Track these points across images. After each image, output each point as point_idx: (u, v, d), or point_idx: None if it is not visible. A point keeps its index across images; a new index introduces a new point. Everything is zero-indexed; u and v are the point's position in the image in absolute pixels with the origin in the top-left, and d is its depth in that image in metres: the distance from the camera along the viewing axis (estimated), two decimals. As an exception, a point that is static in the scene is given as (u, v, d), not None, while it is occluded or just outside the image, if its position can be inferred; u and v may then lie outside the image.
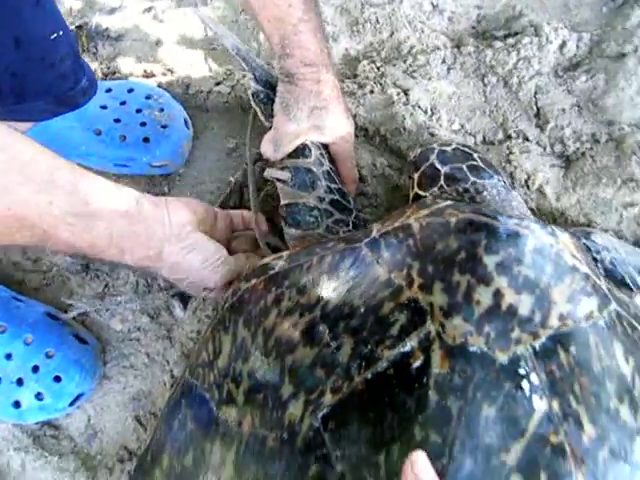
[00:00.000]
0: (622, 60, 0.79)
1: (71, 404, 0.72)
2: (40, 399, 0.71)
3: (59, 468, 0.71)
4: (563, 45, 0.83)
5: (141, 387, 0.74)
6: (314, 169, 0.68)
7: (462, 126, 0.81)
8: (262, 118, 0.72)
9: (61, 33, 0.67)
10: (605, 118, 0.79)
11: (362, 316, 0.48)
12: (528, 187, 0.76)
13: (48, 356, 0.72)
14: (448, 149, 0.67)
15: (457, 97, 0.82)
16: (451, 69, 0.85)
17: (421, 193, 0.65)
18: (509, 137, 0.80)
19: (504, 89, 0.83)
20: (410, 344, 0.45)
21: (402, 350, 0.45)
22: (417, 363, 0.44)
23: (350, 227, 0.66)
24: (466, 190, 0.63)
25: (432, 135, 0.78)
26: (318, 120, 0.69)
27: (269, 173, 0.67)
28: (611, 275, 0.61)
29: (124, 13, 0.96)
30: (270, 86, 0.73)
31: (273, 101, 0.71)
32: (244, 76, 0.86)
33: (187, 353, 0.72)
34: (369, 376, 0.45)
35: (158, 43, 0.93)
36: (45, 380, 0.71)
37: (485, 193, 0.62)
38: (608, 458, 0.44)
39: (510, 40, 0.84)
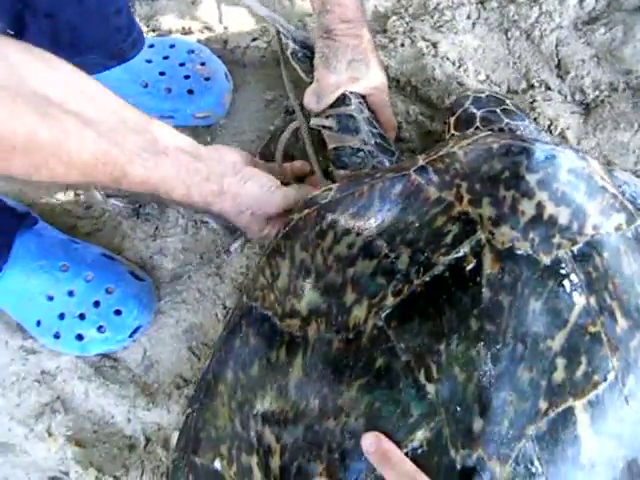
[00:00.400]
0: (639, 13, 0.84)
1: (130, 336, 0.78)
2: (102, 331, 0.77)
3: (120, 395, 0.77)
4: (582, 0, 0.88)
5: (193, 320, 0.79)
6: (356, 115, 0.73)
7: (488, 77, 0.86)
8: (302, 75, 0.78)
9: None
10: (622, 68, 0.84)
11: (417, 230, 0.54)
12: (551, 132, 0.82)
13: (108, 292, 0.77)
14: (482, 96, 0.73)
15: (482, 50, 0.88)
16: (476, 24, 0.90)
17: (458, 134, 0.71)
18: (532, 86, 0.85)
19: (527, 42, 0.88)
20: (463, 250, 0.51)
21: (456, 255, 0.51)
22: (470, 266, 0.50)
23: None
24: (501, 130, 0.68)
25: (460, 85, 0.83)
26: (356, 72, 0.74)
27: (315, 122, 0.73)
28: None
29: (159, -26, 1.00)
30: (305, 46, 0.79)
31: (310, 59, 0.77)
32: (278, 32, 0.90)
33: (238, 287, 0.78)
34: (427, 279, 0.51)
35: (195, 2, 0.97)
36: (106, 314, 0.77)
37: (519, 132, 0.68)
38: (638, 346, 0.50)
39: (532, -5, 0.89)
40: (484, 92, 0.74)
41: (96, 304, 0.77)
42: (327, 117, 0.73)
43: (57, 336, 0.78)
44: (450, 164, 0.57)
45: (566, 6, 0.88)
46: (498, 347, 0.47)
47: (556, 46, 0.87)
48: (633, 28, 0.84)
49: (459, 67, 0.85)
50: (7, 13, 0.72)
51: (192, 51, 0.88)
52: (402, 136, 0.81)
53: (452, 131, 0.73)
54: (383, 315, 0.51)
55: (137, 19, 0.95)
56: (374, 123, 0.75)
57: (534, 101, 0.83)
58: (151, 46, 0.88)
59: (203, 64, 0.87)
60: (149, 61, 0.86)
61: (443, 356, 0.48)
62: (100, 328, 0.77)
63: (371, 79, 0.75)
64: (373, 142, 0.72)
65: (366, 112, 0.75)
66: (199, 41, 0.92)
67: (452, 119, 0.73)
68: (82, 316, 0.77)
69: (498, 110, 0.71)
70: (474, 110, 0.71)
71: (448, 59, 0.85)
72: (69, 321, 0.77)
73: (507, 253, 0.50)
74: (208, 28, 0.94)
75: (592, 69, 0.85)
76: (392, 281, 0.52)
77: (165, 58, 0.87)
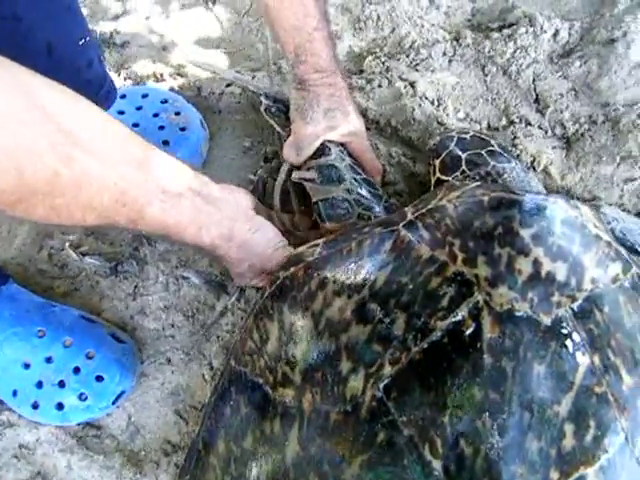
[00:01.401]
0: (612, 45, 0.85)
1: (113, 402, 0.74)
2: (83, 399, 0.73)
3: (105, 466, 0.73)
4: (556, 34, 0.88)
5: (179, 382, 0.76)
6: (337, 164, 0.72)
7: (467, 114, 0.85)
8: (278, 129, 0.77)
9: (88, 39, 0.69)
10: (600, 100, 0.84)
11: (411, 292, 0.52)
12: (534, 168, 0.81)
13: (88, 357, 0.74)
14: (466, 137, 0.72)
15: (460, 87, 0.87)
16: (452, 61, 0.89)
17: (444, 178, 0.70)
18: (512, 122, 0.85)
19: (504, 77, 0.87)
20: (461, 313, 0.49)
21: (454, 319, 0.49)
22: (469, 330, 0.48)
23: (382, 212, 0.69)
24: (488, 173, 0.67)
25: (440, 124, 0.83)
26: (333, 121, 0.73)
27: (296, 175, 0.72)
28: (622, 243, 0.66)
29: (127, 19, 0.98)
30: (277, 100, 0.79)
31: (284, 112, 0.76)
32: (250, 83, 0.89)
33: (224, 345, 0.75)
34: (425, 346, 0.49)
35: (165, 48, 0.95)
36: (87, 380, 0.73)
37: (506, 175, 0.67)
38: (646, 404, 0.48)
39: (506, 31, 0.89)
40: (468, 132, 0.73)
41: (76, 370, 0.73)
42: (308, 169, 0.71)
43: (35, 406, 0.74)
44: (440, 219, 0.55)
45: (540, 41, 0.88)
46: (504, 417, 0.45)
47: (533, 81, 0.87)
48: (607, 61, 0.84)
49: (438, 106, 0.85)
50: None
51: (166, 100, 0.86)
52: (387, 179, 0.80)
53: (437, 174, 0.71)
54: (381, 385, 0.49)
55: (107, 67, 0.93)
56: (357, 169, 0.73)
57: (515, 137, 0.82)
58: (123, 96, 0.86)
59: (178, 113, 0.85)
60: (122, 112, 0.84)
61: (447, 429, 0.46)
62: (81, 396, 0.73)
63: (349, 126, 0.74)
64: (358, 189, 0.70)
65: (348, 159, 0.73)
66: (172, 88, 0.90)
67: (437, 162, 0.72)
68: (62, 383, 0.73)
69: (484, 152, 0.70)
70: (459, 152, 0.70)
71: (427, 98, 0.85)
72: (48, 389, 0.73)
73: (506, 315, 0.48)
74: (180, 74, 0.92)
75: (570, 103, 0.85)
76: (389, 348, 0.50)
77: (138, 109, 0.85)
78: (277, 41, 0.73)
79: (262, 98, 0.77)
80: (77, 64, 0.71)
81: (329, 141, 0.72)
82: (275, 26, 0.70)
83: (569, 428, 0.46)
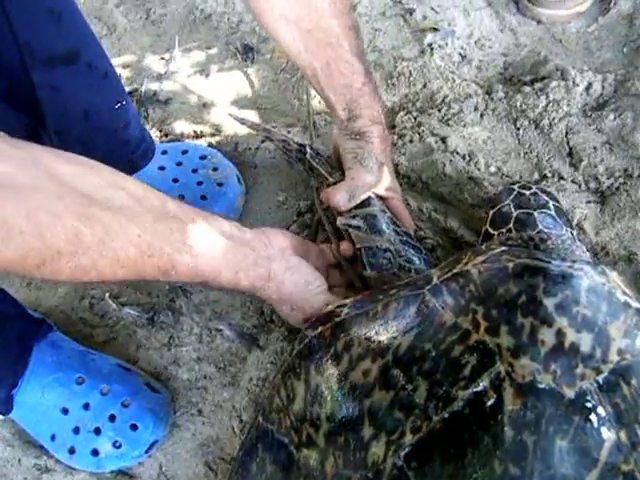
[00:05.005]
0: (647, 98, 0.84)
1: (146, 451, 0.76)
2: (117, 447, 0.75)
3: (136, 515, 0.75)
4: (589, 86, 0.88)
5: (210, 433, 0.77)
6: (380, 216, 0.74)
7: (499, 169, 0.85)
8: (326, 175, 0.78)
9: (124, 102, 0.74)
10: (636, 153, 0.83)
11: (434, 359, 0.52)
12: (567, 223, 0.80)
13: (124, 405, 0.76)
14: (526, 192, 0.71)
15: (492, 141, 0.87)
16: (484, 115, 0.90)
17: (491, 231, 0.70)
18: (545, 177, 0.84)
19: (536, 131, 0.87)
20: (482, 384, 0.49)
21: (475, 390, 0.49)
22: (491, 401, 0.48)
23: (422, 264, 0.71)
24: (531, 238, 0.65)
25: (471, 179, 0.83)
26: (382, 175, 0.75)
27: (342, 221, 0.73)
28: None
29: (171, 78, 1.03)
30: (319, 153, 0.81)
31: (326, 161, 0.79)
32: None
33: (254, 399, 0.76)
34: (446, 415, 0.49)
35: (205, 105, 0.99)
36: (122, 428, 0.75)
37: (549, 242, 0.65)
38: (677, 484, 0.46)
39: (538, 84, 0.89)
40: (531, 188, 0.72)
41: (112, 418, 0.76)
42: (353, 217, 0.73)
43: (72, 451, 0.77)
44: (465, 285, 0.55)
45: (573, 93, 0.88)
46: (525, 493, 0.44)
47: (566, 134, 0.86)
48: (642, 114, 0.83)
49: (469, 161, 0.85)
50: (25, 129, 0.75)
51: (204, 157, 0.89)
52: (418, 234, 0.80)
53: (487, 226, 0.71)
54: (402, 454, 0.49)
55: (150, 123, 0.98)
56: (397, 223, 0.75)
57: (548, 192, 0.82)
58: (164, 152, 0.90)
59: (215, 169, 0.88)
60: (162, 168, 0.88)
61: (467, 503, 0.45)
62: (115, 443, 0.75)
63: (393, 183, 0.76)
64: (399, 240, 0.72)
65: (388, 212, 0.75)
66: (210, 144, 0.93)
67: (491, 212, 0.71)
68: (97, 430, 0.76)
69: (536, 213, 0.68)
70: (512, 209, 0.69)
71: (458, 153, 0.85)
72: (84, 435, 0.76)
73: (528, 387, 0.48)
74: (219, 130, 0.96)
75: (605, 156, 0.84)
76: (410, 416, 0.50)
77: (178, 164, 0.89)
78: (326, 102, 0.75)
79: (307, 148, 0.79)
80: (114, 126, 0.75)
81: (372, 193, 0.74)
82: (325, 89, 0.72)
83: (594, 507, 0.45)
